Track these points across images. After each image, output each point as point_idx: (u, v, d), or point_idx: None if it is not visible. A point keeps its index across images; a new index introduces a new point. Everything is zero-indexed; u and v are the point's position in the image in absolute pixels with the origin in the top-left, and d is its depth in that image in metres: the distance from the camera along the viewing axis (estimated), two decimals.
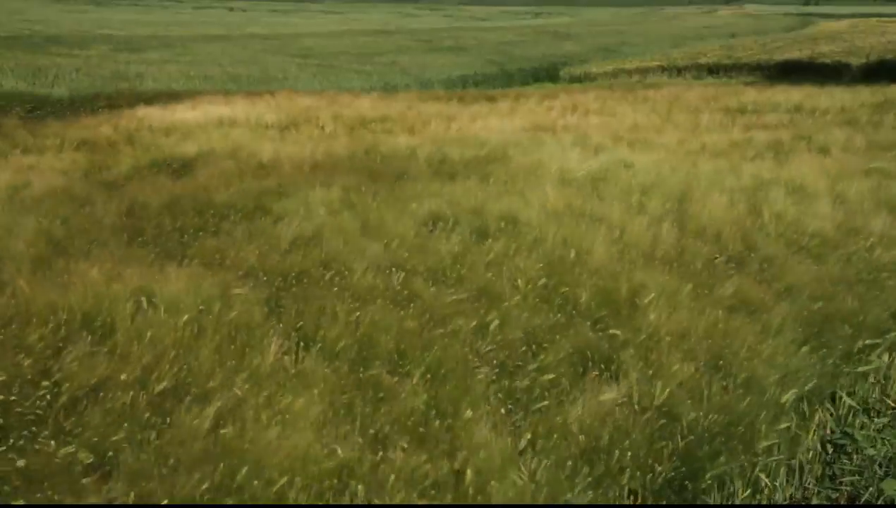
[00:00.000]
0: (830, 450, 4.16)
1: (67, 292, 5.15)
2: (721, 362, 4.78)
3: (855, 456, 4.10)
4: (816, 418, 4.32)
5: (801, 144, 11.85)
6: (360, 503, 3.57)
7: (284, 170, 9.97)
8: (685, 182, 8.91)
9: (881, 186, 8.85)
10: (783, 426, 4.18)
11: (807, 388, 4.48)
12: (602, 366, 4.72)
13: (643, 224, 7.24)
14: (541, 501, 3.61)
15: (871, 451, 4.03)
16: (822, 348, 5.00)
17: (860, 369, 4.84)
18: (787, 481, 3.89)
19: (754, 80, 30.93)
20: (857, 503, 3.84)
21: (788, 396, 4.37)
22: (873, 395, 4.72)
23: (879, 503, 3.78)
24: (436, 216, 7.47)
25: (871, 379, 4.84)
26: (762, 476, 3.82)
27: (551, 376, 4.57)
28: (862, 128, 13.60)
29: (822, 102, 17.03)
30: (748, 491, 3.76)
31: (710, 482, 3.79)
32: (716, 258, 6.60)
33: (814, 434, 4.19)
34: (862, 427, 4.34)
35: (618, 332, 5.09)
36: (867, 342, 5.10)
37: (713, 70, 36.00)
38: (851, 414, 4.45)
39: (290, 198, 8.17)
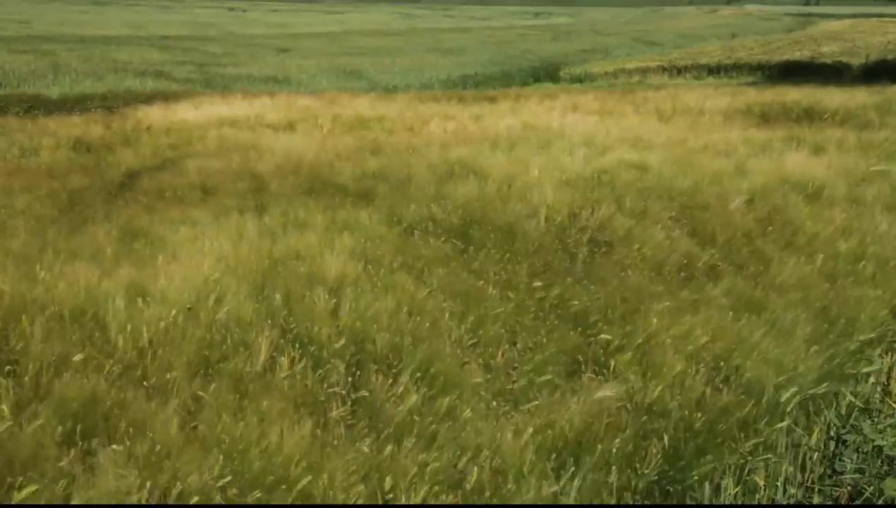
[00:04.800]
0: (833, 447, 4.13)
1: None
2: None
3: (856, 454, 4.07)
4: (821, 416, 4.30)
5: (799, 144, 11.82)
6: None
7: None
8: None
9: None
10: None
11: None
12: None
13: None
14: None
15: (880, 442, 3.98)
16: None
17: (863, 370, 4.80)
18: (788, 479, 3.87)
19: (755, 81, 30.90)
20: (857, 502, 3.81)
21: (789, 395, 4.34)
22: (875, 396, 4.69)
23: (880, 502, 3.75)
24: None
25: (872, 380, 4.80)
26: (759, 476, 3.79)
27: None
28: (859, 127, 13.56)
29: (822, 103, 16.99)
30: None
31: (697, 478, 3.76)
32: None
33: (818, 431, 4.16)
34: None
35: None
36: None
37: (713, 70, 36.00)
38: (854, 413, 4.42)
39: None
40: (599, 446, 3.89)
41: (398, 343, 4.85)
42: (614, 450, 3.86)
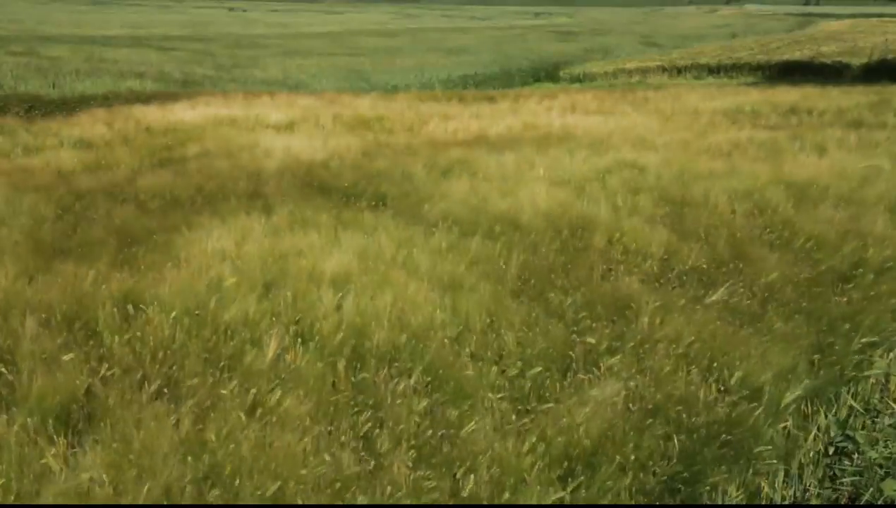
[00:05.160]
0: (831, 451, 4.13)
1: None
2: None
3: (855, 457, 4.08)
4: (818, 420, 4.29)
5: (800, 144, 11.81)
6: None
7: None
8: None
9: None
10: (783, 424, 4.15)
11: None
12: None
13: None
14: None
15: (872, 454, 4.00)
16: None
17: (865, 373, 4.79)
18: (786, 482, 3.87)
19: (755, 81, 30.93)
20: (857, 503, 3.82)
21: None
22: (874, 396, 4.69)
23: (879, 503, 3.76)
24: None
25: (872, 381, 4.80)
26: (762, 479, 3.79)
27: None
28: (859, 127, 13.56)
29: (821, 103, 17.00)
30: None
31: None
32: None
33: (814, 436, 4.16)
34: (863, 428, 4.31)
35: None
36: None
37: (714, 70, 36.00)
38: (853, 416, 4.42)
39: None
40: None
41: (396, 339, 4.87)
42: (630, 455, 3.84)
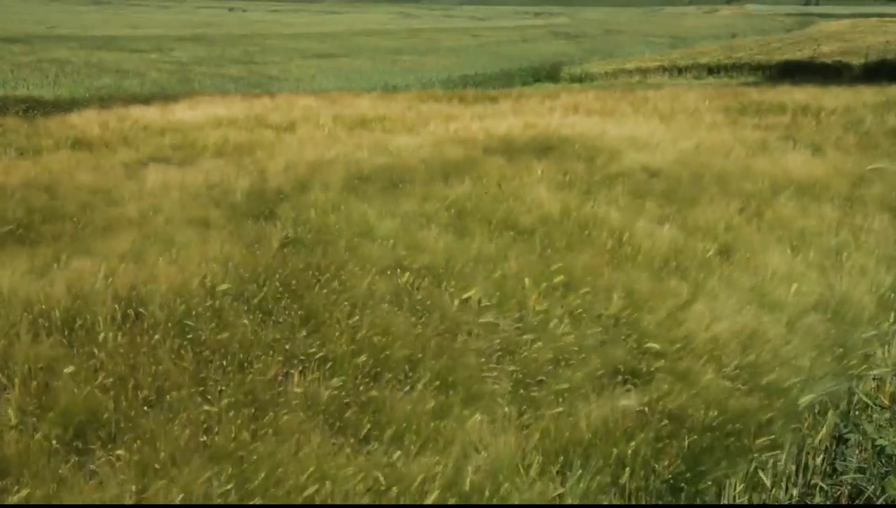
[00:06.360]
0: (835, 446, 4.14)
1: None
2: None
3: (857, 451, 4.08)
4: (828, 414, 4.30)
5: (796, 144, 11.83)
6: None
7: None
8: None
9: None
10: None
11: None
12: None
13: None
14: None
15: (882, 442, 3.99)
16: None
17: (873, 372, 4.80)
18: (791, 479, 3.88)
19: (755, 81, 30.95)
20: (857, 502, 3.82)
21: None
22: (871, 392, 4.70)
23: (881, 501, 3.77)
24: None
25: (874, 372, 4.81)
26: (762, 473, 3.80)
27: None
28: (858, 126, 13.57)
29: (821, 102, 17.00)
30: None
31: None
32: None
33: (823, 429, 4.16)
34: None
35: None
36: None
37: (714, 70, 36.06)
38: (857, 410, 4.43)
39: None
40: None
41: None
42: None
